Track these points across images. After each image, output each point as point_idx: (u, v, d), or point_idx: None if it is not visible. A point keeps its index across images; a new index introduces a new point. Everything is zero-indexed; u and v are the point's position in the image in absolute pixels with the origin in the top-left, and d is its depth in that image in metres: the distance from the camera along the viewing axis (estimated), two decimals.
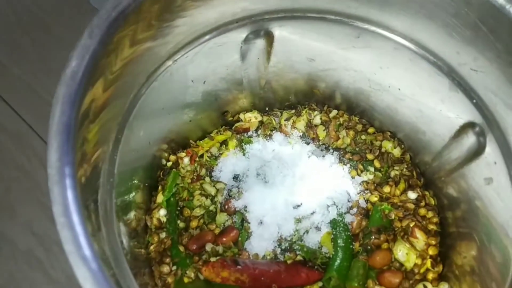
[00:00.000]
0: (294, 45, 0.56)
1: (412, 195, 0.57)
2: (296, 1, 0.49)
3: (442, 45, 0.48)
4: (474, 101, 0.48)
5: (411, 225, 0.55)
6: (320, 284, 0.55)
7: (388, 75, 0.55)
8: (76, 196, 0.32)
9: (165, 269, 0.52)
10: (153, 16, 0.41)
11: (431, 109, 0.54)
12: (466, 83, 0.48)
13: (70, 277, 0.78)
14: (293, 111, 0.64)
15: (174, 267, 0.53)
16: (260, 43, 0.54)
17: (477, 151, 0.50)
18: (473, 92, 0.48)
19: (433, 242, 0.55)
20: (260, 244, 0.56)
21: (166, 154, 0.59)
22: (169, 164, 0.59)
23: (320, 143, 0.62)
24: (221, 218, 0.56)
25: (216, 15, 0.48)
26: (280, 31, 0.53)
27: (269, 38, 0.54)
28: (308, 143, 0.62)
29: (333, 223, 0.57)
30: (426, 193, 0.59)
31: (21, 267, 0.77)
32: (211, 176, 0.60)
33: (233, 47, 0.53)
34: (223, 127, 0.63)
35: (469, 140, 0.51)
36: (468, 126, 0.50)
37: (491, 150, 0.48)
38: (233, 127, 0.63)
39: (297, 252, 0.56)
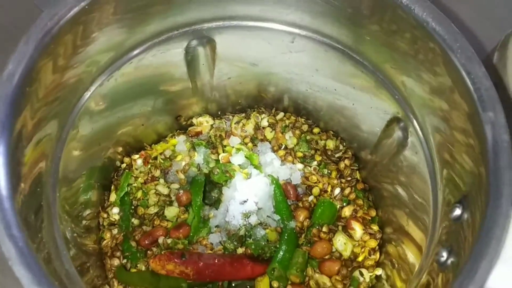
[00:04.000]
0: (236, 52, 0.60)
1: (347, 190, 0.61)
2: (229, 9, 0.53)
3: (365, 46, 0.52)
4: (396, 97, 0.52)
5: (348, 214, 0.59)
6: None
7: (324, 76, 0.59)
8: (8, 183, 0.35)
9: (116, 262, 0.55)
10: (91, 24, 0.45)
11: (364, 106, 0.58)
12: (388, 80, 0.52)
13: None
14: (243, 114, 0.68)
15: (125, 260, 0.56)
16: (203, 50, 0.58)
17: (403, 143, 0.54)
18: (394, 88, 0.52)
19: (372, 232, 0.59)
20: (212, 237, 0.60)
21: (120, 156, 0.63)
22: (123, 165, 0.63)
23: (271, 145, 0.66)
24: (171, 212, 0.60)
25: (156, 24, 0.52)
26: (221, 38, 0.57)
27: (212, 45, 0.58)
28: (256, 145, 0.65)
29: (279, 217, 0.60)
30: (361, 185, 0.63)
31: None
32: (165, 178, 0.64)
33: (178, 54, 0.57)
34: (177, 131, 0.67)
35: (396, 134, 0.55)
36: (394, 120, 0.54)
37: (413, 142, 0.52)
38: (187, 131, 0.67)
39: (248, 247, 0.59)
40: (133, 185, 0.61)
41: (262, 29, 0.56)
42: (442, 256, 0.41)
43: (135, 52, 0.53)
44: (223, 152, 0.65)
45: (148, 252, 0.58)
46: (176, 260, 0.54)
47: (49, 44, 0.41)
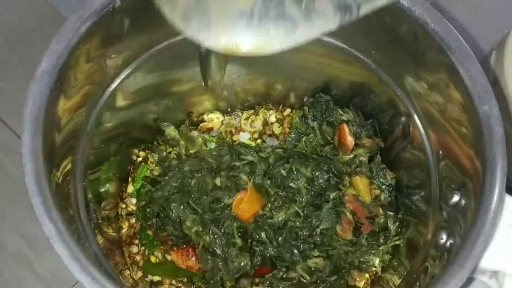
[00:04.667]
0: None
1: None
2: None
3: (368, 46, 0.56)
4: (398, 93, 0.56)
5: None
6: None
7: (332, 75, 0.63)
8: (46, 170, 0.39)
9: (134, 249, 0.59)
10: (112, 27, 0.49)
11: (373, 101, 0.62)
12: (391, 78, 0.56)
13: (56, 274, 0.83)
14: (252, 111, 0.72)
15: (142, 248, 0.60)
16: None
17: (406, 139, 0.57)
18: (396, 85, 0.56)
19: None
20: None
21: (136, 151, 0.66)
22: (139, 159, 0.66)
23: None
24: None
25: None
26: None
27: None
28: (264, 140, 0.69)
29: None
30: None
31: (10, 267, 0.82)
32: None
33: (191, 54, 0.61)
34: (190, 126, 0.71)
35: (400, 130, 0.58)
36: (397, 116, 0.58)
37: (415, 137, 0.55)
38: (198, 127, 0.71)
39: None
40: (150, 177, 0.65)
41: None
42: (442, 239, 0.44)
43: (153, 51, 0.56)
44: None
45: (165, 245, 0.61)
46: (195, 257, 0.57)
47: (78, 43, 0.45)
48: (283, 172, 0.56)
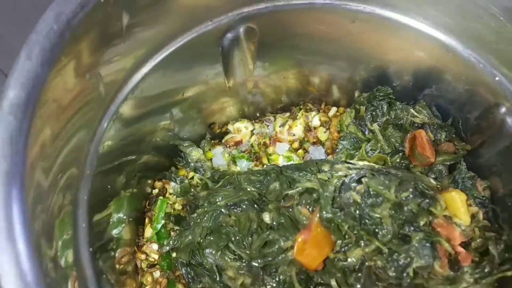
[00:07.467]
0: (278, 41, 0.49)
1: None
2: None
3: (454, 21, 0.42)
4: (497, 78, 0.42)
5: None
6: None
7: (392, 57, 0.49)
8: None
9: None
10: (106, 24, 0.34)
11: (453, 92, 0.48)
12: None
13: None
14: (288, 114, 0.57)
15: None
16: (241, 42, 0.47)
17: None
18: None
19: None
20: None
21: (150, 181, 0.52)
22: (155, 191, 0.52)
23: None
24: None
25: (186, 13, 0.41)
26: (261, 26, 0.46)
27: (251, 34, 0.47)
28: (306, 150, 0.55)
29: None
30: None
31: None
32: None
33: (211, 51, 0.47)
34: (213, 141, 0.56)
35: (497, 123, 0.45)
36: (495, 107, 0.44)
37: None
38: (223, 140, 0.56)
39: None
40: (172, 214, 0.50)
41: (313, 10, 0.46)
42: None
43: (163, 51, 0.42)
44: (269, 162, 0.54)
45: None
46: None
47: (59, 54, 0.30)
48: (356, 197, 0.42)
